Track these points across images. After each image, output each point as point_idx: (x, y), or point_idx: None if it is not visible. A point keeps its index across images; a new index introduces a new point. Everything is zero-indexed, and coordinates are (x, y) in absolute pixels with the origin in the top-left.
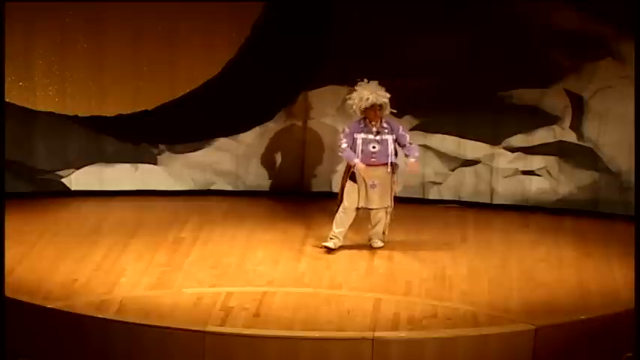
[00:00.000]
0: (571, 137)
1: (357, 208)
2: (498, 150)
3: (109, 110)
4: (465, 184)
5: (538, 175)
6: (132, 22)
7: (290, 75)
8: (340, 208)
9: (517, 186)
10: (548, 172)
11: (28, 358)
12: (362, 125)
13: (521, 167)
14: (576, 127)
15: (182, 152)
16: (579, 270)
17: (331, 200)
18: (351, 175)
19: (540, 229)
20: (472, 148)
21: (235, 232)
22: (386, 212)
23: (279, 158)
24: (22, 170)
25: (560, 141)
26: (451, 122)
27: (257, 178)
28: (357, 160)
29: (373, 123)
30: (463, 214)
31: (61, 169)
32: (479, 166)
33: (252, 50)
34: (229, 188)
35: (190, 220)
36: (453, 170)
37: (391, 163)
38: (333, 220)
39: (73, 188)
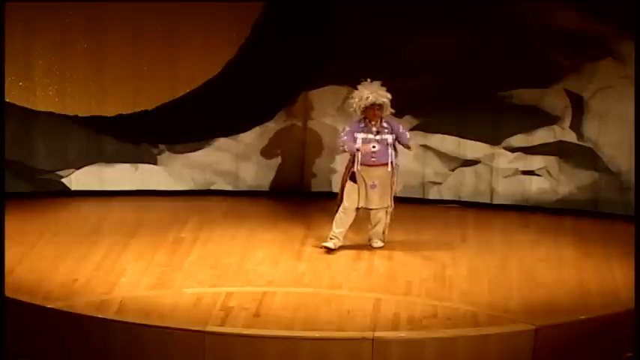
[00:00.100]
0: (571, 137)
1: (357, 209)
2: (498, 150)
3: (109, 110)
4: (465, 184)
5: (538, 175)
6: (132, 22)
7: (290, 75)
8: (340, 209)
9: (517, 186)
10: (548, 172)
11: (28, 358)
12: (362, 125)
13: (521, 167)
14: (576, 127)
15: (182, 152)
16: (579, 270)
17: (331, 200)
18: (351, 175)
19: (540, 229)
20: (472, 148)
21: (235, 232)
22: (386, 212)
23: (279, 158)
24: (22, 170)
25: (560, 141)
26: (451, 122)
27: (257, 178)
28: (357, 147)
29: (373, 123)
30: (463, 214)
31: (61, 169)
32: (479, 166)
33: (252, 50)
34: (229, 188)
35: (190, 220)
36: (453, 170)
37: (391, 162)
38: (333, 220)
39: (73, 188)
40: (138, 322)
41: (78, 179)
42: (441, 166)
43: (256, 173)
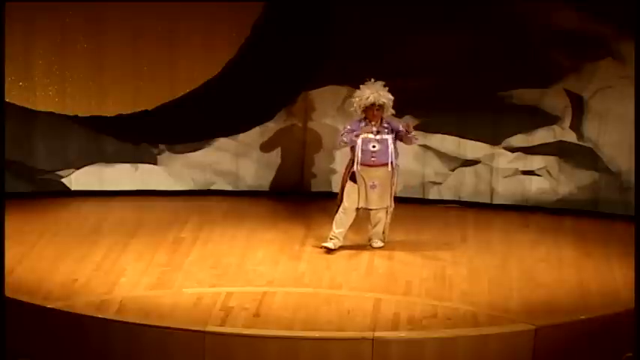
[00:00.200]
0: (571, 137)
1: (357, 209)
2: (498, 150)
3: (109, 110)
4: (465, 184)
5: (538, 175)
6: (132, 22)
7: (290, 75)
8: (340, 209)
9: (517, 186)
10: (548, 172)
11: (28, 358)
12: (362, 124)
13: (521, 167)
14: (576, 127)
15: (182, 152)
16: (579, 270)
17: (331, 200)
18: (351, 175)
19: (540, 229)
20: (472, 148)
21: (235, 232)
22: (386, 212)
23: (279, 158)
24: (22, 170)
25: (560, 141)
26: (451, 122)
27: (257, 178)
28: (356, 133)
29: (373, 123)
30: (463, 214)
31: (61, 169)
32: (479, 166)
33: (252, 50)
34: (229, 188)
35: (190, 220)
36: (453, 170)
37: (391, 163)
38: (333, 220)
39: (73, 188)
40: (138, 322)
41: (78, 179)
42: (441, 166)
43: (256, 173)
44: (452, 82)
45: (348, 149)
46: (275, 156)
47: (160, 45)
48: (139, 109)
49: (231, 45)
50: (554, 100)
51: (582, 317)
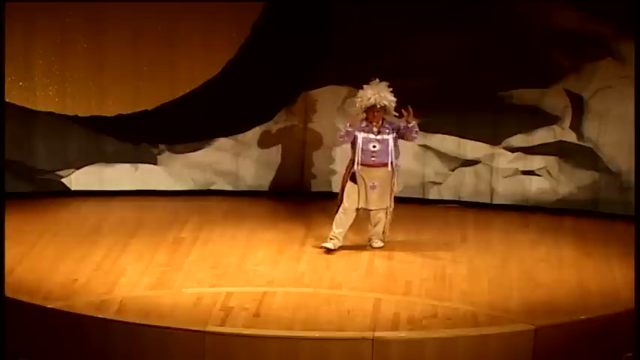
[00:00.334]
0: (571, 137)
1: (357, 209)
2: (498, 150)
3: (109, 110)
4: (465, 184)
5: (538, 175)
6: (132, 22)
7: (290, 75)
8: (340, 209)
9: (517, 186)
10: (548, 172)
11: (28, 358)
12: (363, 124)
13: (521, 167)
14: (576, 127)
15: (182, 152)
16: (579, 270)
17: (331, 200)
18: (351, 175)
19: (540, 229)
20: (472, 148)
21: (235, 232)
22: (386, 213)
23: (279, 158)
24: (22, 170)
25: (560, 141)
26: (451, 122)
27: (257, 178)
28: (351, 130)
29: (374, 123)
30: (463, 214)
31: (61, 169)
32: (479, 166)
33: (252, 50)
34: (229, 188)
35: (190, 220)
36: (453, 170)
37: (391, 163)
38: (332, 220)
39: (73, 188)
40: (138, 322)
41: (78, 179)
42: (441, 166)
43: (256, 173)
44: (452, 82)
45: (348, 149)
46: (275, 156)
47: (160, 45)
48: (139, 109)
49: (231, 45)
50: (554, 100)
51: (582, 317)
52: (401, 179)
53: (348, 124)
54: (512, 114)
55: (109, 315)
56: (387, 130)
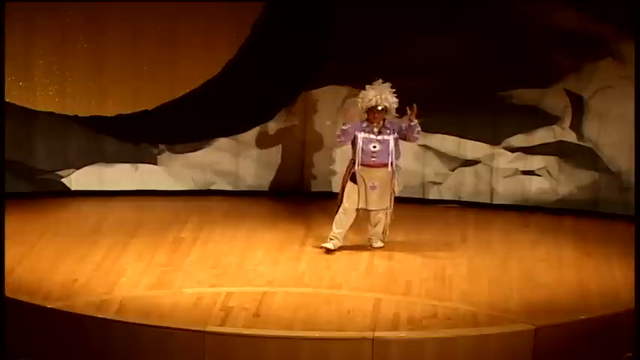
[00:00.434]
0: (571, 137)
1: (357, 209)
2: (498, 150)
3: (109, 110)
4: (465, 184)
5: (538, 175)
6: (132, 22)
7: (290, 75)
8: (340, 209)
9: (517, 186)
10: (548, 172)
11: (28, 358)
12: (364, 125)
13: (521, 167)
14: (576, 127)
15: (182, 152)
16: (579, 270)
17: (331, 200)
18: (351, 175)
19: (540, 229)
20: (472, 148)
21: (235, 232)
22: (386, 213)
23: (279, 158)
24: (22, 170)
25: (560, 141)
26: (451, 122)
27: (257, 178)
28: (347, 128)
29: (375, 124)
30: (463, 214)
31: (61, 169)
32: (479, 166)
33: (252, 50)
34: (229, 188)
35: (190, 220)
36: (453, 170)
37: (391, 163)
38: (333, 220)
39: (73, 188)
40: (138, 322)
41: (78, 179)
42: (441, 166)
43: (256, 173)
44: (452, 82)
45: (349, 149)
46: (275, 156)
47: (160, 45)
48: (139, 109)
49: (231, 45)
50: (554, 100)
51: (582, 317)
52: (401, 179)
53: (342, 124)
54: (512, 114)
55: (109, 315)
56: (388, 131)
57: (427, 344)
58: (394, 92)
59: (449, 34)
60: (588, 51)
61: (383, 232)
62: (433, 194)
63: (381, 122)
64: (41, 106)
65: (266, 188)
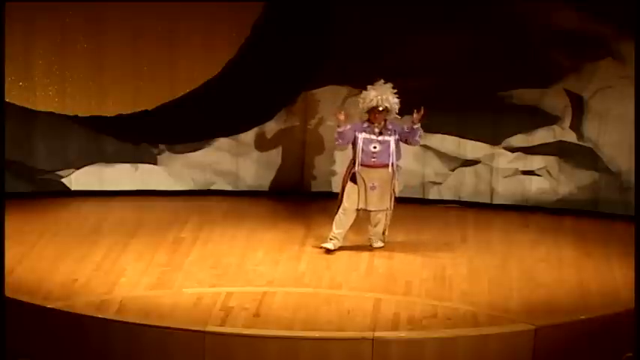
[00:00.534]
0: (571, 137)
1: (357, 210)
2: (498, 150)
3: (109, 110)
4: (465, 184)
5: (538, 175)
6: (132, 22)
7: (290, 75)
8: (340, 209)
9: (517, 186)
10: (548, 172)
11: (28, 358)
12: (365, 125)
13: (521, 167)
14: (576, 127)
15: (182, 152)
16: (579, 270)
17: (331, 200)
18: (351, 176)
19: (540, 229)
20: (472, 148)
21: (235, 232)
22: (385, 214)
23: (279, 158)
24: (22, 170)
25: (560, 141)
26: (451, 122)
27: (257, 178)
28: (343, 127)
29: (376, 124)
30: (463, 214)
31: (61, 169)
32: (479, 166)
33: (252, 50)
34: (229, 188)
35: (190, 220)
36: (453, 170)
37: (391, 164)
38: (332, 220)
39: (73, 188)
40: (138, 322)
41: (78, 179)
42: (441, 166)
43: (256, 173)
44: (452, 82)
45: (349, 149)
46: (275, 156)
47: (160, 45)
48: (139, 109)
49: (231, 45)
50: (554, 100)
51: (582, 317)
52: (401, 179)
53: (337, 126)
54: (512, 114)
55: (109, 315)
56: (389, 132)
57: (427, 344)
58: (395, 93)
59: (449, 34)
60: (588, 51)
61: (383, 232)
62: (433, 194)
63: (382, 123)
64: (41, 106)
65: (266, 188)
